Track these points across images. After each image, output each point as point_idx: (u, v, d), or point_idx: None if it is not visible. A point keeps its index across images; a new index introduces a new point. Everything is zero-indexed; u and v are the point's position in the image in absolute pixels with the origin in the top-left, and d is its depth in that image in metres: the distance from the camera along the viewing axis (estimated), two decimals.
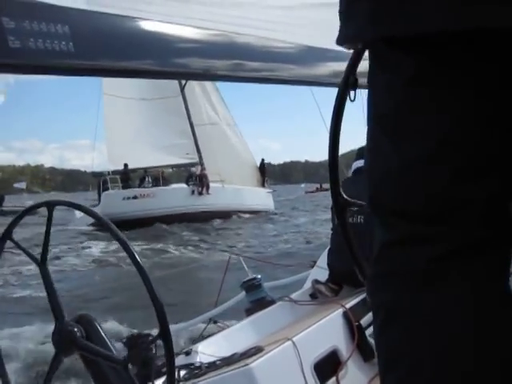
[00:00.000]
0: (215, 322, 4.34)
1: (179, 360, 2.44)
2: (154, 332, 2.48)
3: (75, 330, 1.72)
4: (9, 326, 7.21)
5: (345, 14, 0.69)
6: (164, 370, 2.22)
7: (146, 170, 24.73)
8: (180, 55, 1.89)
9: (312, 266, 4.46)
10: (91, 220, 19.04)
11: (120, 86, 22.82)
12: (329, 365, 2.58)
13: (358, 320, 2.96)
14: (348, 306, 3.03)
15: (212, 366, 2.36)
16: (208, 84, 23.86)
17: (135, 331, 2.50)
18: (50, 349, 1.84)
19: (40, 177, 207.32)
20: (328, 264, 3.68)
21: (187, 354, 2.66)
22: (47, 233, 1.78)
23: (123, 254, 1.58)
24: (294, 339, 2.42)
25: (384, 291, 0.71)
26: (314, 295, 3.59)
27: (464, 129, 0.63)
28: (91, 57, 1.68)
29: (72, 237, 18.04)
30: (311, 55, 2.35)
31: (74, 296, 7.92)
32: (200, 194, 23.47)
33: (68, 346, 1.73)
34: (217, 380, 2.18)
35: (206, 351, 2.65)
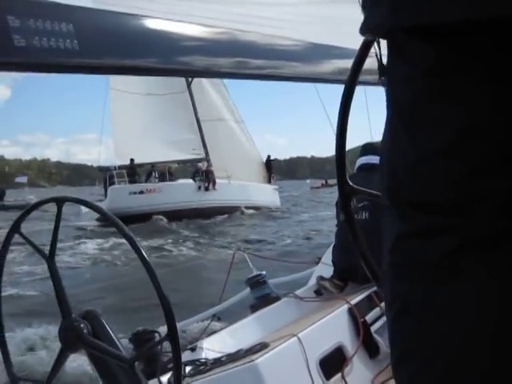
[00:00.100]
0: (219, 319, 4.35)
1: (185, 356, 2.45)
2: (158, 328, 2.51)
3: (81, 326, 1.73)
4: None
5: (368, 2, 0.69)
6: (169, 366, 2.24)
7: (153, 164, 24.68)
8: (184, 53, 1.89)
9: (317, 263, 4.46)
10: (96, 216, 19.20)
11: (127, 81, 22.81)
12: (334, 361, 2.59)
13: (363, 316, 2.97)
14: (353, 302, 3.04)
15: (217, 362, 2.37)
16: (215, 80, 23.84)
17: (140, 328, 2.50)
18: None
19: (46, 171, 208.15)
20: (333, 260, 3.69)
21: (193, 350, 2.67)
22: (56, 228, 1.79)
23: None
24: (300, 335, 2.43)
25: (399, 283, 0.70)
26: (318, 292, 3.60)
27: (484, 119, 0.62)
28: (96, 55, 1.68)
29: (70, 233, 17.70)
30: (315, 52, 2.35)
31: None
32: (206, 189, 23.43)
33: (74, 343, 1.74)
34: (222, 376, 2.19)
35: (212, 347, 2.66)
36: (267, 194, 25.94)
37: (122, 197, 21.89)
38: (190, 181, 24.20)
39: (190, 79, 21.97)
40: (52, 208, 1.84)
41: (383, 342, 2.99)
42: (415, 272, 0.68)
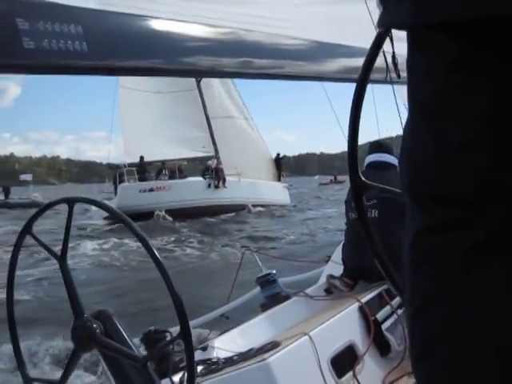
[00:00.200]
0: (227, 318, 4.35)
1: (196, 355, 2.44)
2: (170, 328, 2.51)
3: (94, 326, 1.74)
4: None
5: None
6: (181, 365, 2.24)
7: (163, 162, 24.61)
8: (194, 53, 1.90)
9: (326, 261, 4.46)
10: (106, 213, 19.15)
11: (136, 79, 22.64)
12: (345, 359, 2.59)
13: (374, 314, 2.97)
14: (364, 300, 3.03)
15: (229, 361, 2.37)
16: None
17: (152, 327, 2.51)
18: None
19: (56, 168, 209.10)
20: (342, 259, 3.68)
21: (204, 349, 2.67)
22: (67, 228, 1.80)
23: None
24: (311, 334, 2.43)
25: (419, 278, 0.70)
26: (329, 290, 3.59)
27: (504, 112, 0.62)
28: (104, 56, 1.69)
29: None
30: (320, 51, 2.35)
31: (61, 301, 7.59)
32: (216, 187, 23.36)
33: (87, 343, 1.75)
34: (234, 375, 2.19)
35: (223, 346, 2.66)
36: (277, 192, 25.85)
37: (131, 194, 21.83)
38: (200, 178, 24.06)
39: None
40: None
41: (394, 340, 2.98)
42: (435, 267, 0.68)
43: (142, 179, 23.29)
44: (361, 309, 2.96)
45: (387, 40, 1.16)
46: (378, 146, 3.84)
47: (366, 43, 2.51)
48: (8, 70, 1.56)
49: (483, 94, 0.62)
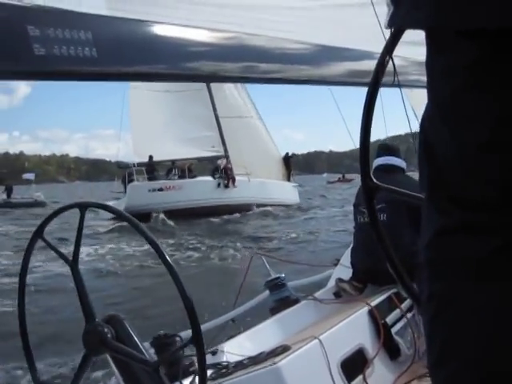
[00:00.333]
0: (233, 321, 4.34)
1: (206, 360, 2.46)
2: (179, 332, 2.52)
3: (105, 330, 1.75)
4: None
5: None
6: (191, 369, 2.25)
7: (173, 162, 24.54)
8: (204, 58, 1.91)
9: (335, 265, 4.45)
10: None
11: None
12: (355, 363, 2.58)
13: (384, 318, 2.96)
14: (373, 304, 3.03)
15: (239, 365, 2.37)
16: None
17: (161, 332, 2.51)
18: None
19: (65, 166, 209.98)
20: (351, 262, 3.68)
21: (214, 353, 2.67)
22: (79, 233, 1.81)
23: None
24: (321, 338, 2.43)
25: (437, 280, 0.69)
26: (338, 294, 3.60)
27: None
28: (114, 62, 1.70)
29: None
30: (325, 55, 2.36)
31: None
32: (226, 186, 23.27)
33: (98, 347, 1.75)
34: (244, 379, 2.19)
35: (233, 350, 2.66)
36: (287, 192, 25.74)
37: (141, 194, 21.74)
38: (210, 178, 23.94)
39: None
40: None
41: (404, 344, 2.98)
42: (454, 269, 0.67)
43: (151, 179, 23.20)
44: (370, 312, 2.96)
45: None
46: (385, 148, 3.85)
47: (372, 47, 2.53)
48: (19, 77, 1.57)
49: (501, 95, 0.62)
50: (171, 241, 15.45)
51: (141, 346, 1.80)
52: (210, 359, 2.59)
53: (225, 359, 2.58)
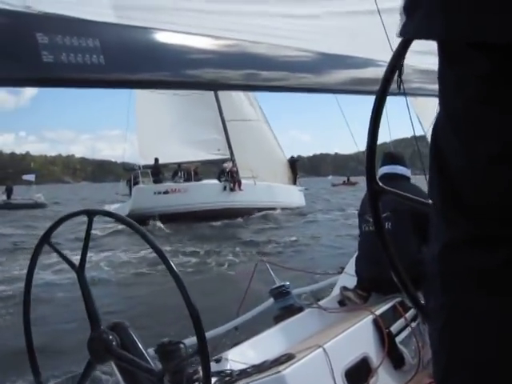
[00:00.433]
0: (236, 329, 4.34)
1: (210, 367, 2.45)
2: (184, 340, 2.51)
3: (110, 337, 1.75)
4: None
5: (416, 8, 0.69)
6: (195, 377, 2.24)
7: (179, 164, 24.50)
8: (212, 66, 1.91)
9: (340, 273, 4.45)
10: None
11: None
12: (360, 372, 2.58)
13: (388, 327, 2.96)
14: (377, 312, 3.02)
15: (243, 374, 2.37)
16: None
17: (166, 339, 2.51)
18: None
19: (71, 167, 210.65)
20: (356, 271, 3.68)
21: (217, 361, 2.67)
22: (86, 240, 1.81)
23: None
24: (325, 346, 2.42)
25: (446, 292, 0.68)
26: (342, 302, 3.59)
27: None
28: (122, 69, 1.71)
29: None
30: (328, 63, 2.36)
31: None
32: (232, 190, 23.21)
33: (103, 354, 1.75)
34: None
35: (237, 358, 2.65)
36: (293, 196, 25.69)
37: (146, 197, 21.68)
38: (216, 181, 23.92)
39: None
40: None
41: (408, 353, 2.97)
42: (463, 282, 0.67)
43: (156, 181, 23.16)
44: (375, 321, 2.95)
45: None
46: (390, 157, 3.85)
47: (376, 55, 2.53)
48: (27, 84, 1.58)
49: None
50: (169, 246, 15.20)
51: (145, 354, 1.80)
52: (213, 367, 2.58)
53: (229, 367, 2.58)
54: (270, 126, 26.73)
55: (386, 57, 2.22)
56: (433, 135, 0.72)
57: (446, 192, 0.69)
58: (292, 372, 2.18)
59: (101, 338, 1.75)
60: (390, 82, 1.12)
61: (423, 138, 5.79)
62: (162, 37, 1.84)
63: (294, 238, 16.17)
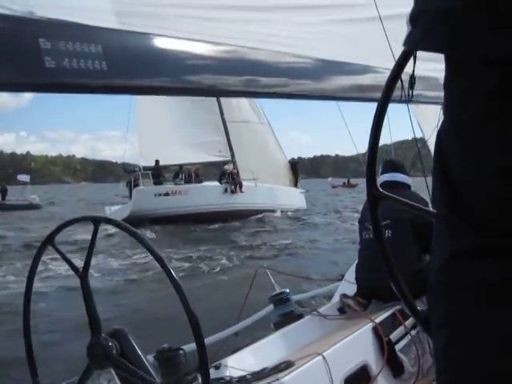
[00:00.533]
0: (236, 335, 4.33)
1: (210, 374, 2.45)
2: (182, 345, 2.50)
3: (110, 345, 1.74)
4: None
5: (422, 20, 0.68)
6: (194, 383, 2.23)
7: (180, 166, 24.30)
8: (214, 72, 1.92)
9: (340, 280, 4.45)
10: (120, 218, 18.59)
11: None
12: (359, 380, 2.57)
13: (388, 335, 2.95)
14: (377, 320, 3.02)
15: (242, 381, 2.36)
16: None
17: (165, 345, 2.50)
18: None
19: (71, 167, 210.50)
20: (356, 278, 3.67)
21: (217, 367, 2.66)
22: (91, 245, 1.80)
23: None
24: (325, 354, 2.42)
25: (449, 305, 0.68)
26: (342, 309, 3.58)
27: None
28: (124, 75, 1.71)
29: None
30: (329, 69, 2.37)
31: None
32: (233, 192, 23.07)
33: (102, 361, 1.75)
34: None
35: (236, 365, 2.65)
36: (294, 198, 25.47)
37: (146, 199, 21.52)
38: (216, 183, 23.76)
39: None
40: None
41: (407, 361, 2.97)
42: (467, 294, 0.67)
43: (157, 183, 23.03)
44: (374, 329, 2.95)
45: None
46: (391, 165, 3.86)
47: (376, 61, 2.53)
48: (30, 89, 1.58)
49: None
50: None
51: (145, 361, 1.80)
52: (213, 373, 2.57)
53: (228, 374, 2.57)
54: (272, 127, 26.57)
55: (385, 63, 2.23)
56: (437, 141, 0.72)
57: (451, 203, 0.69)
58: (291, 380, 2.18)
59: (101, 344, 1.75)
60: (392, 89, 1.12)
61: (423, 141, 5.82)
62: (164, 43, 1.85)
63: (288, 241, 16.01)
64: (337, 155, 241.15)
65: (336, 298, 3.81)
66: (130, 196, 22.50)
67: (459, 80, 0.67)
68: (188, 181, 23.71)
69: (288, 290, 3.82)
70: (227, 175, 23.46)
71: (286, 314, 3.63)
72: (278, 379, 2.16)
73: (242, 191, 23.25)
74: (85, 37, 1.60)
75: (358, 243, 3.86)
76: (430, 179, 4.13)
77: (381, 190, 1.22)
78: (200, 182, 24.16)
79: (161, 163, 23.60)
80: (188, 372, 1.81)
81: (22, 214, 30.30)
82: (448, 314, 0.69)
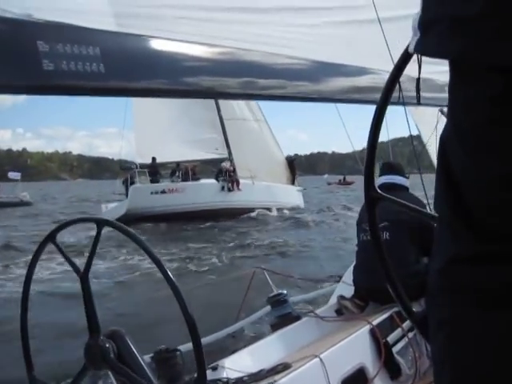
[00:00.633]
0: (233, 337, 4.34)
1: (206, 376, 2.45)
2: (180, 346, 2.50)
3: (108, 346, 1.74)
4: None
5: (431, 27, 0.69)
6: None
7: (178, 163, 24.17)
8: (213, 74, 1.92)
9: (337, 282, 4.45)
10: (117, 216, 18.48)
11: None
12: (356, 382, 2.58)
13: (385, 337, 2.95)
14: (375, 322, 3.02)
15: (239, 382, 2.36)
16: None
17: (163, 346, 2.50)
18: None
19: (68, 164, 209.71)
20: (353, 280, 3.67)
21: (214, 369, 2.66)
22: (94, 247, 1.80)
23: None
24: (322, 356, 2.42)
25: (448, 307, 0.69)
26: (339, 311, 3.58)
27: None
28: (121, 77, 1.72)
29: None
30: (326, 71, 2.37)
31: None
32: (230, 190, 22.92)
33: (99, 362, 1.75)
34: None
35: (233, 366, 2.65)
36: (291, 196, 25.27)
37: (143, 196, 21.34)
38: (214, 181, 23.64)
39: None
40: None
41: (405, 364, 2.97)
42: (466, 297, 0.67)
43: (153, 181, 22.89)
44: (372, 331, 2.95)
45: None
46: (389, 167, 3.86)
47: (373, 63, 2.53)
48: (28, 91, 1.59)
49: None
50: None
51: (142, 363, 1.79)
52: (210, 375, 2.57)
53: (225, 375, 2.57)
54: (269, 125, 26.25)
55: (383, 65, 2.24)
56: (440, 145, 0.72)
57: (454, 207, 0.69)
58: (288, 381, 2.18)
59: (98, 345, 1.75)
60: (391, 92, 1.13)
61: (420, 138, 5.84)
62: (162, 45, 1.85)
63: (279, 240, 15.84)
64: (333, 152, 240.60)
65: (333, 300, 3.81)
66: (127, 194, 22.29)
67: (463, 86, 0.67)
68: (185, 178, 23.51)
69: (285, 292, 3.82)
70: (224, 173, 23.31)
71: (283, 316, 3.63)
72: (274, 381, 2.16)
73: (239, 189, 23.08)
74: (83, 39, 1.60)
75: (355, 245, 3.86)
76: (425, 177, 4.16)
77: (379, 191, 1.22)
78: (197, 179, 23.98)
79: (158, 160, 23.43)
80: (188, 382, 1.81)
81: (8, 211, 30.20)
82: (446, 317, 0.70)
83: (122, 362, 1.75)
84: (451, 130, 0.70)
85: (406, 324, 3.11)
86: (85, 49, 1.59)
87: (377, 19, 2.59)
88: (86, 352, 1.78)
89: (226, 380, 2.44)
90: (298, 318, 3.52)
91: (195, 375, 1.76)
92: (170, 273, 1.63)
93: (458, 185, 0.68)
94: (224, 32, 2.14)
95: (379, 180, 3.70)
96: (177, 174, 23.95)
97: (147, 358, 2.18)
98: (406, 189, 3.80)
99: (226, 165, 23.53)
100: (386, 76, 1.13)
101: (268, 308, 3.95)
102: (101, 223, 1.78)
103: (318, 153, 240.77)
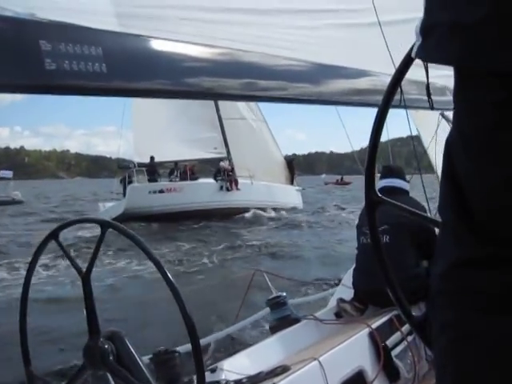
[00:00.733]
0: (232, 339, 4.33)
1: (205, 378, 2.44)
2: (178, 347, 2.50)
3: (107, 348, 1.73)
4: None
5: (433, 32, 0.69)
6: None
7: (176, 162, 24.00)
8: (216, 75, 1.92)
9: (337, 284, 4.45)
10: (114, 215, 18.45)
11: None
12: None
13: (384, 340, 2.95)
14: (374, 326, 3.01)
15: None
16: None
17: (162, 347, 2.50)
18: None
19: (66, 162, 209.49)
20: (353, 283, 3.67)
21: (212, 371, 2.65)
22: (97, 248, 1.79)
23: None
24: (321, 359, 2.42)
25: (450, 311, 0.69)
26: (339, 314, 3.58)
27: None
28: (123, 78, 1.71)
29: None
30: (326, 73, 2.37)
31: None
32: (228, 189, 22.80)
33: (98, 364, 1.74)
34: None
35: (232, 368, 2.64)
36: (290, 196, 25.18)
37: (141, 196, 21.19)
38: (212, 180, 23.44)
39: None
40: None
41: (403, 367, 2.96)
42: (468, 301, 0.67)
43: (151, 180, 22.73)
44: (371, 334, 2.94)
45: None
46: (389, 170, 3.86)
47: (374, 66, 2.53)
48: (30, 91, 1.58)
49: None
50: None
51: (141, 364, 1.78)
52: (208, 377, 2.57)
53: (224, 377, 2.56)
54: (268, 124, 26.11)
55: (384, 68, 2.24)
56: (445, 149, 0.72)
57: (456, 208, 0.69)
58: None
59: (98, 347, 1.74)
60: (393, 95, 1.13)
61: (418, 138, 5.84)
62: (164, 46, 1.85)
63: (271, 241, 15.68)
64: (331, 152, 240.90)
65: (333, 303, 3.81)
66: (124, 193, 22.13)
67: (467, 91, 0.67)
68: (183, 178, 23.36)
69: (285, 294, 3.82)
70: (223, 172, 23.18)
71: (282, 318, 3.63)
72: (273, 383, 2.16)
73: (237, 188, 22.96)
74: (85, 39, 1.60)
75: (355, 248, 3.86)
76: (425, 177, 4.16)
77: (379, 195, 1.22)
78: (195, 178, 23.83)
79: (156, 160, 23.27)
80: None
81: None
82: (449, 321, 0.70)
83: (120, 363, 1.74)
84: (456, 134, 0.70)
85: (406, 327, 3.11)
86: (87, 49, 1.59)
87: (377, 22, 2.59)
88: (85, 352, 1.78)
89: (224, 382, 2.44)
90: (297, 320, 3.52)
91: (194, 377, 1.75)
92: (169, 275, 1.62)
93: (463, 189, 0.69)
94: (225, 33, 2.14)
95: (379, 183, 3.70)
96: (175, 173, 23.78)
97: (146, 359, 2.17)
98: (407, 192, 3.80)
99: (225, 164, 23.43)
100: (387, 79, 1.13)
101: (267, 310, 3.95)
102: (105, 225, 1.77)
103: (316, 153, 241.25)
